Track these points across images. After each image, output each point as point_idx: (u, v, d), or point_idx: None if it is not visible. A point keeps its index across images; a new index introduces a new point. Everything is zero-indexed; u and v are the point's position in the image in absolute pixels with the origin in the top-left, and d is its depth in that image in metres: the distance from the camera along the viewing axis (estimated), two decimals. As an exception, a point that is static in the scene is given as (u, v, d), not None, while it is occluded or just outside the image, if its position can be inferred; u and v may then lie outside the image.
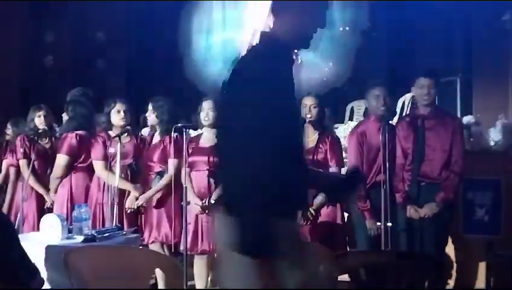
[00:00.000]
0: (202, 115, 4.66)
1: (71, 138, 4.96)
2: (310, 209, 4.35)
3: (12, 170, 5.40)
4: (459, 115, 5.73)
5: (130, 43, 8.19)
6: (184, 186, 4.40)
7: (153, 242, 4.77)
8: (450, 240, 4.52)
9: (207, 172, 4.58)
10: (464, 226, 4.74)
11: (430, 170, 4.18)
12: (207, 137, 4.72)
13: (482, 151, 4.84)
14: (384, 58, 7.14)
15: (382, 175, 4.09)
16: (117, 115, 4.86)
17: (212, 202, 4.54)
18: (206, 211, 4.55)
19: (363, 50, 7.43)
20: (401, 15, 7.03)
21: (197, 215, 4.58)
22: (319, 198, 4.36)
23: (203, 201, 4.54)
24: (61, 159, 4.96)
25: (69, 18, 8.07)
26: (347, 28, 7.74)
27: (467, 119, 5.18)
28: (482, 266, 4.54)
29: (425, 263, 3.18)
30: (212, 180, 4.58)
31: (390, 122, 4.44)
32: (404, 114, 5.62)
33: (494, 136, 4.92)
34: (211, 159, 4.56)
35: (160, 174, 4.80)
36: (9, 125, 5.69)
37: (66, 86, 6.05)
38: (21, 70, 7.95)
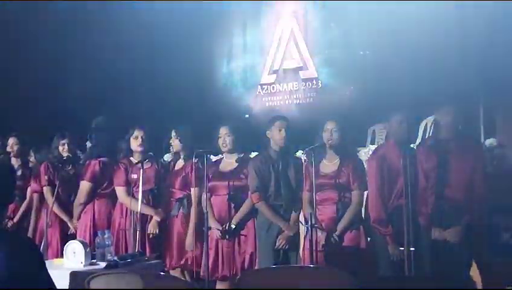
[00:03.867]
0: (220, 141, 4.71)
1: (94, 165, 5.06)
2: (334, 234, 4.33)
3: (35, 197, 5.47)
4: (482, 137, 5.68)
5: (153, 70, 8.28)
6: (205, 211, 4.41)
7: (174, 268, 4.78)
8: (475, 265, 4.44)
9: (227, 196, 4.61)
10: (489, 250, 4.66)
11: (452, 194, 4.14)
12: (227, 162, 4.76)
13: (505, 174, 4.78)
14: (406, 81, 7.11)
15: (403, 199, 4.06)
16: (135, 141, 4.95)
17: (233, 226, 4.56)
18: (227, 236, 4.56)
19: (384, 73, 7.42)
20: (423, 38, 7.02)
21: (217, 241, 4.59)
22: (343, 223, 4.34)
23: (224, 226, 4.56)
24: (84, 186, 5.06)
25: (94, 47, 8.20)
26: (367, 52, 7.75)
27: (489, 141, 5.13)
28: (508, 291, 4.45)
29: (450, 288, 3.14)
30: (232, 205, 4.60)
31: (411, 145, 4.42)
32: (426, 137, 5.58)
33: (518, 158, 4.86)
34: (231, 183, 4.60)
35: (180, 200, 4.82)
36: (32, 153, 5.78)
37: (90, 114, 6.14)
38: (46, 97, 8.09)
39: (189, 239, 4.70)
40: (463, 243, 4.08)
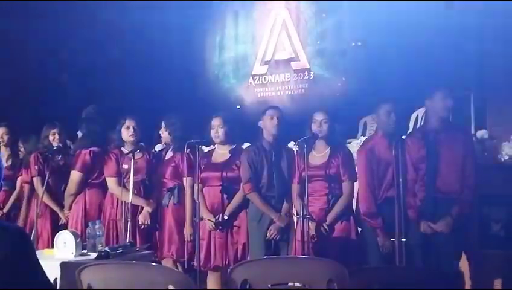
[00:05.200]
0: (212, 132, 4.70)
1: (84, 155, 5.03)
2: (324, 224, 4.34)
3: (26, 187, 5.44)
4: (473, 129, 5.69)
5: (144, 60, 8.24)
6: (197, 202, 4.41)
7: (166, 258, 4.77)
8: (465, 256, 4.47)
9: (220, 187, 4.60)
10: (479, 241, 4.69)
11: (443, 185, 4.14)
12: (219, 153, 4.75)
13: (496, 166, 4.79)
14: (398, 72, 7.12)
15: (393, 190, 4.06)
16: (126, 131, 4.94)
17: (226, 217, 4.56)
18: (220, 227, 4.56)
19: (376, 65, 7.42)
20: (414, 30, 7.02)
21: (210, 231, 4.59)
22: (333, 213, 4.35)
23: (217, 217, 4.55)
24: (75, 176, 5.04)
25: (84, 36, 8.15)
26: (359, 43, 7.75)
27: (480, 133, 5.13)
28: (497, 282, 4.48)
29: (439, 279, 3.15)
30: (225, 196, 4.60)
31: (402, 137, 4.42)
32: (416, 128, 5.58)
33: (508, 150, 4.87)
34: (224, 174, 4.59)
35: (172, 190, 4.81)
36: (20, 144, 5.74)
37: (81, 104, 6.10)
38: (35, 87, 8.04)
39: (188, 229, 4.70)
40: (453, 235, 4.09)
